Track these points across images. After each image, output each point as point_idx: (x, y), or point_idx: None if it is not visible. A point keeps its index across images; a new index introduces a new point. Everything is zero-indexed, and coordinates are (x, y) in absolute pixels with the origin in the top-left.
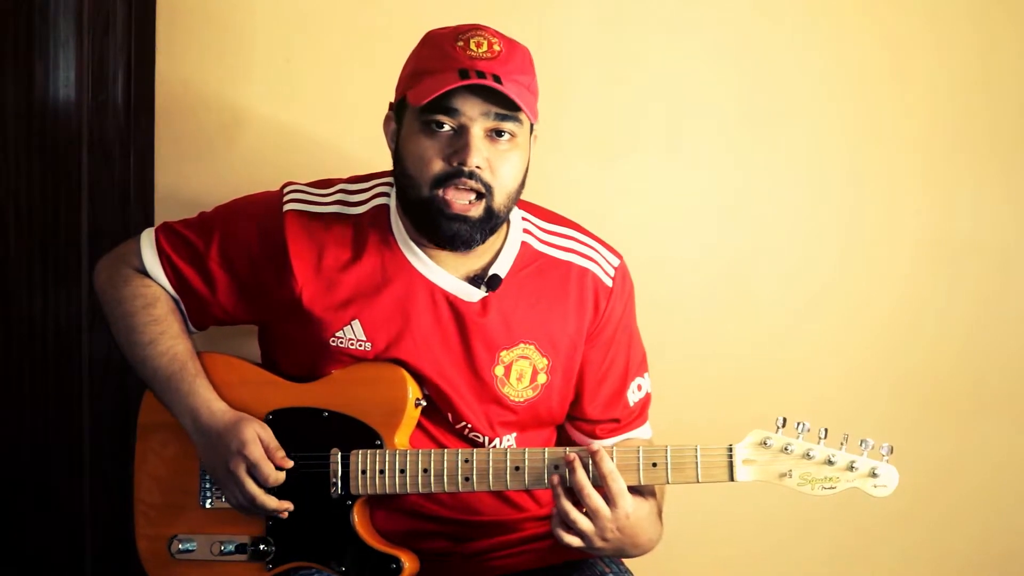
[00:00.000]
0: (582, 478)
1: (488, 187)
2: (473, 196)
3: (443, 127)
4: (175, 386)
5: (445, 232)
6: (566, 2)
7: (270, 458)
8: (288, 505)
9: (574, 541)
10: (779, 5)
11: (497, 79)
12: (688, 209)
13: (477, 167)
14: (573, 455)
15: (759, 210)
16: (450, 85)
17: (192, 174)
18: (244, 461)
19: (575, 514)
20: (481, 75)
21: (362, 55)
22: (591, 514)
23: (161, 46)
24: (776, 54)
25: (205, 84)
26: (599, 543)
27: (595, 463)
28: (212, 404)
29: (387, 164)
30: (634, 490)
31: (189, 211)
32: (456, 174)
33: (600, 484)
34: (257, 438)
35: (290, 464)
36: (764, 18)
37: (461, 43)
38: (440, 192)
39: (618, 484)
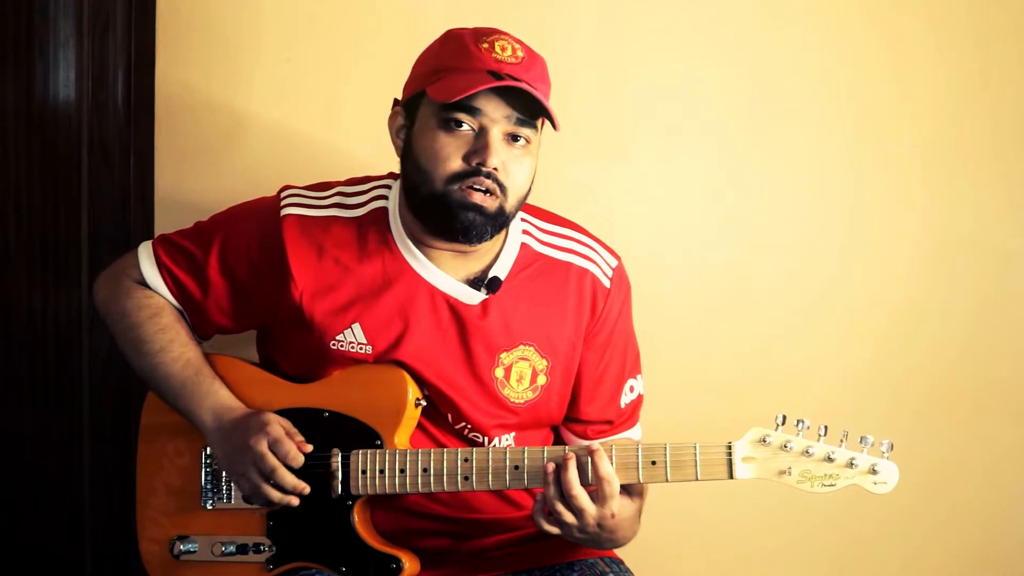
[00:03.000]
0: (572, 477)
1: (503, 187)
2: (487, 193)
3: (462, 126)
4: (191, 391)
5: (461, 222)
6: (567, 3)
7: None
8: (304, 486)
9: (552, 530)
10: (779, 5)
11: (528, 83)
12: (688, 209)
13: (495, 168)
14: (571, 454)
15: (759, 210)
16: (484, 85)
17: (192, 174)
18: (266, 436)
19: (560, 507)
20: (516, 80)
21: (362, 56)
22: (576, 511)
23: (161, 46)
24: (776, 54)
25: (205, 84)
26: (577, 534)
27: (593, 464)
28: (233, 402)
29: (387, 165)
30: (626, 490)
31: (189, 211)
32: (474, 173)
33: (594, 484)
34: (277, 422)
35: (309, 448)
36: (764, 18)
37: (486, 45)
38: (456, 187)
39: (612, 487)
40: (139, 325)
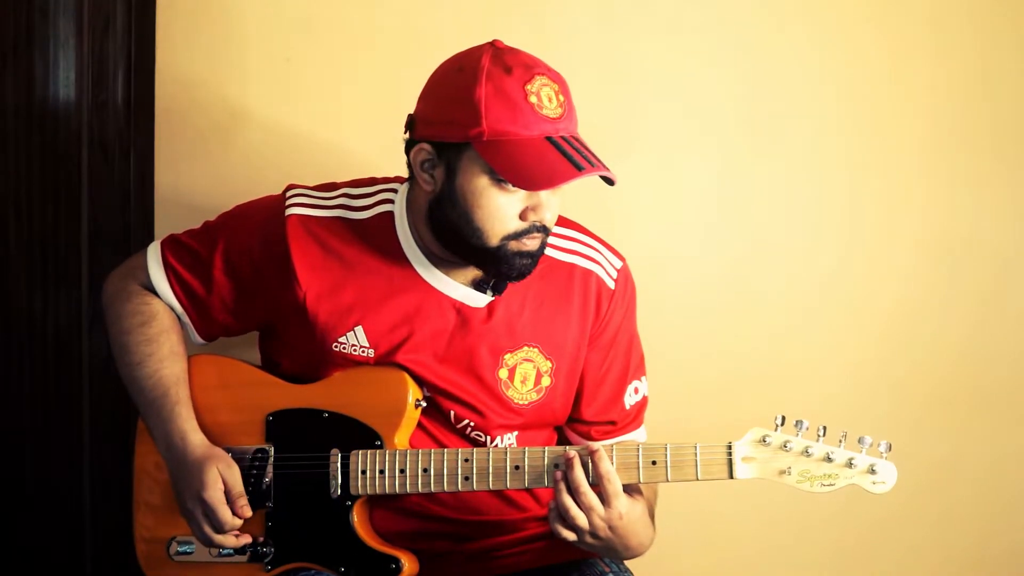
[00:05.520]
0: (579, 476)
1: (547, 230)
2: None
3: None
4: (155, 411)
5: (518, 270)
6: (566, 2)
7: (231, 503)
8: (246, 539)
9: (569, 535)
10: (779, 5)
11: (586, 149)
12: (688, 209)
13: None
14: (573, 453)
15: (759, 210)
16: (569, 177)
17: (192, 174)
18: (201, 505)
19: (573, 509)
20: (573, 148)
21: (362, 55)
22: (585, 509)
23: (161, 46)
24: (776, 54)
25: (205, 84)
26: (590, 539)
27: (593, 463)
28: (188, 436)
29: (387, 165)
30: (627, 490)
31: (189, 211)
32: (530, 230)
33: (597, 483)
34: (219, 481)
35: (249, 514)
36: (764, 18)
37: (534, 99)
38: (511, 242)
39: (614, 486)
40: (127, 332)
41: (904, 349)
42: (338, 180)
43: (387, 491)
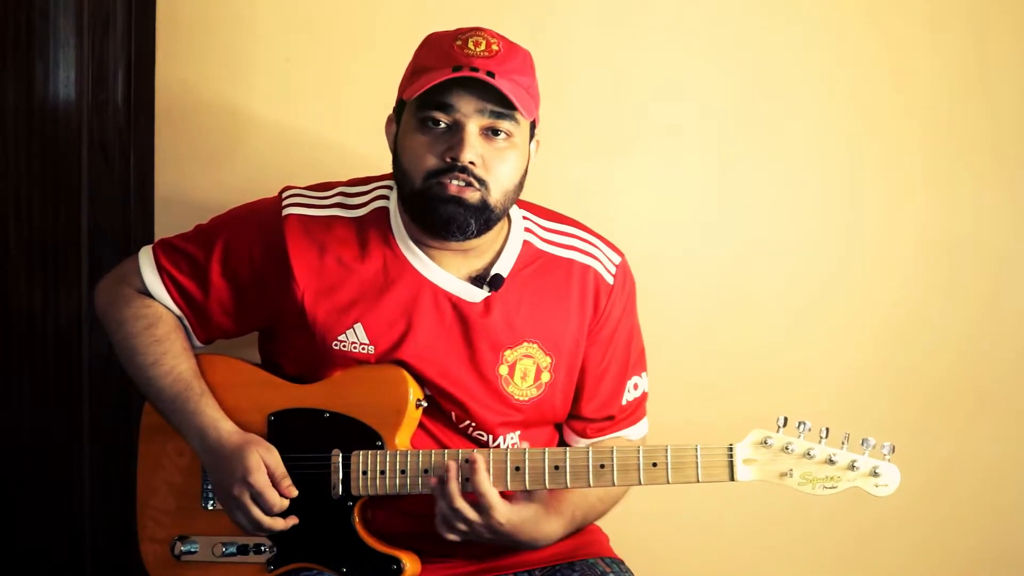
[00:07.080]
0: (453, 489)
1: (483, 181)
2: (466, 185)
3: (439, 124)
4: (180, 406)
5: (441, 215)
6: (566, 2)
7: (275, 485)
8: (293, 521)
9: (453, 537)
10: (779, 5)
11: (491, 75)
12: (688, 209)
13: (471, 163)
14: (445, 470)
15: (759, 210)
16: (441, 78)
17: (192, 174)
18: (248, 489)
19: (449, 517)
20: (475, 71)
21: (362, 55)
22: (460, 519)
23: (161, 46)
24: (776, 54)
25: (205, 84)
26: (477, 538)
27: (469, 475)
28: (220, 424)
29: (387, 165)
30: (527, 495)
31: (189, 211)
32: (449, 169)
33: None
34: (262, 465)
35: (295, 493)
36: (764, 18)
37: (460, 42)
38: (434, 182)
39: (486, 499)
40: (135, 335)
41: (904, 349)
42: (338, 180)
43: (388, 492)
